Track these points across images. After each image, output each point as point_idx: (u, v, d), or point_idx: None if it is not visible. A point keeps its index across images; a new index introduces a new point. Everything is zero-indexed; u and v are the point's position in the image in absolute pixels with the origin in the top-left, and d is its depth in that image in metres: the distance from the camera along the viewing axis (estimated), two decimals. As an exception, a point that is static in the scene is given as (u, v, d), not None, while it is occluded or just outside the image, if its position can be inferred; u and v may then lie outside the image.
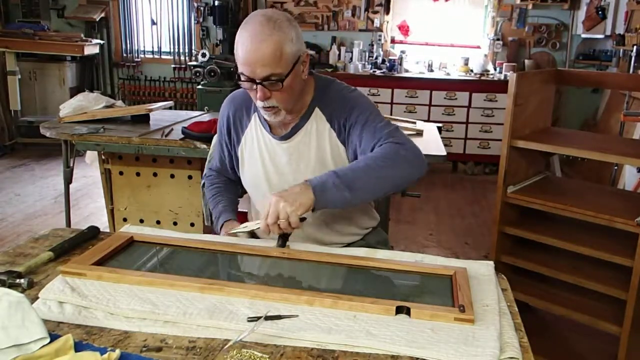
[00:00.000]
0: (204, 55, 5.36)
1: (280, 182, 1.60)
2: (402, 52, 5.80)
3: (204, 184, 2.04)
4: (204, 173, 1.91)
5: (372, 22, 5.92)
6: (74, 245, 1.39)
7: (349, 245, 1.65)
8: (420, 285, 1.27)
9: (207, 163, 2.07)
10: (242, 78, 1.42)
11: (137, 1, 6.27)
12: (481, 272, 1.31)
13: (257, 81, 1.40)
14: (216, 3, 5.57)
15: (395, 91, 5.48)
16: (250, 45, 1.37)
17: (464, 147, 5.56)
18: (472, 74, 5.63)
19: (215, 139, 2.08)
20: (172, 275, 1.20)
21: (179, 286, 1.17)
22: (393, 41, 5.99)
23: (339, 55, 5.80)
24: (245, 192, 1.81)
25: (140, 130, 2.75)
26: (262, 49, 1.37)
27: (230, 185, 1.80)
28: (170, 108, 3.54)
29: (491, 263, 1.36)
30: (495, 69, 5.71)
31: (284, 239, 1.39)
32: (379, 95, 5.48)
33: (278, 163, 1.61)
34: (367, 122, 1.50)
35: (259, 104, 1.46)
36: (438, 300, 1.16)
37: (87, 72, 6.26)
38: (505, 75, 5.43)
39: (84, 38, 5.75)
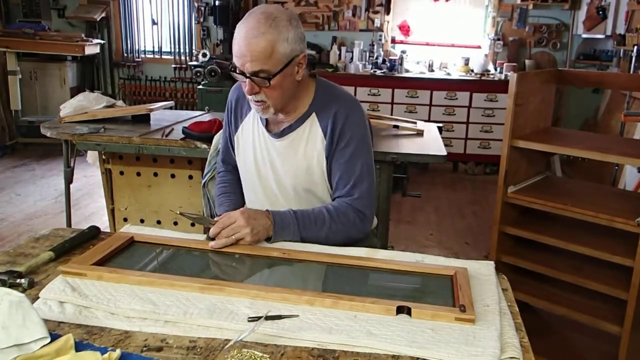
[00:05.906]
0: (204, 55, 5.36)
1: (271, 179, 1.62)
2: (403, 52, 5.79)
3: (204, 184, 2.04)
4: (206, 171, 1.91)
5: (373, 22, 5.92)
6: (74, 245, 1.39)
7: None
8: (420, 285, 1.27)
9: (209, 156, 2.06)
10: (236, 70, 1.44)
11: (138, 1, 6.26)
12: (482, 272, 1.31)
13: (247, 75, 1.42)
14: (217, 3, 5.57)
15: (396, 91, 5.47)
16: (243, 39, 1.39)
17: (465, 147, 5.56)
18: (473, 74, 5.63)
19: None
20: (172, 275, 1.20)
21: (179, 286, 1.17)
22: (393, 41, 5.98)
23: (340, 55, 5.79)
24: None
25: (140, 130, 2.75)
26: (254, 45, 1.38)
27: (236, 186, 1.78)
28: (170, 108, 3.54)
29: (492, 263, 1.36)
30: (495, 69, 5.71)
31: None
32: (379, 95, 5.48)
33: (271, 160, 1.62)
34: (350, 161, 1.55)
35: (248, 97, 1.49)
36: (439, 300, 1.16)
37: (88, 72, 6.27)
38: (506, 75, 5.43)
39: (84, 38, 5.75)
